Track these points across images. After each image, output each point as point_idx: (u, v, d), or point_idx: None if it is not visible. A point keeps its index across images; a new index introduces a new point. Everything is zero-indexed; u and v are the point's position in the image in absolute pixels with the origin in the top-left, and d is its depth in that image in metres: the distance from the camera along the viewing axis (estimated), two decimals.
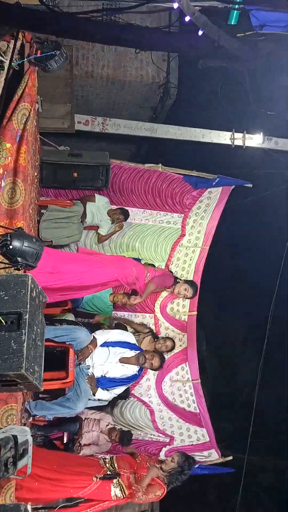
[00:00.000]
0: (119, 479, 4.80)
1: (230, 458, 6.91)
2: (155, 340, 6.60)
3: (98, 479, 4.74)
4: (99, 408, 6.25)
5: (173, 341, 6.69)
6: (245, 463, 8.05)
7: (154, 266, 6.88)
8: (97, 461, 5.04)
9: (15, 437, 3.09)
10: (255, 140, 7.64)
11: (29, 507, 4.28)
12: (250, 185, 7.06)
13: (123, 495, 4.81)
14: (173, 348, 6.68)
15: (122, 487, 4.79)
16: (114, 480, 4.79)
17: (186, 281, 6.56)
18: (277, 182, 8.11)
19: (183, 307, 7.40)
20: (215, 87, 7.97)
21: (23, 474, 3.31)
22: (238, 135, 7.59)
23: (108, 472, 4.81)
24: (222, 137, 7.61)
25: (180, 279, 6.60)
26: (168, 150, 8.27)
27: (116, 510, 6.50)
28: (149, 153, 9.81)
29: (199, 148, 7.78)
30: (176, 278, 6.48)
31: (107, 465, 4.90)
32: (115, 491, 4.77)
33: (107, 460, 5.00)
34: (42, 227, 6.20)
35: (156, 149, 8.85)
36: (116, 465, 4.91)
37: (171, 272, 6.80)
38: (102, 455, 5.41)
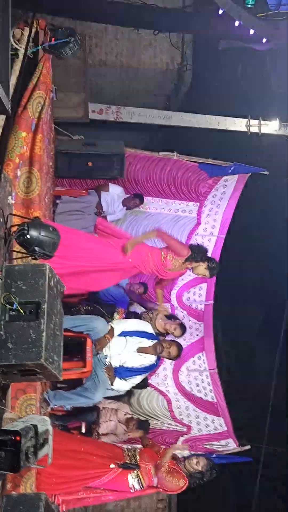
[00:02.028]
0: (138, 471, 4.78)
1: (248, 447, 6.88)
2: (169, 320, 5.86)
3: (116, 466, 4.74)
4: (116, 398, 6.25)
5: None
6: (262, 452, 8.03)
7: None
8: (120, 449, 5.05)
9: (35, 426, 3.09)
10: (271, 126, 7.52)
11: None
12: (266, 172, 6.99)
13: (140, 487, 4.79)
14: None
15: (140, 479, 4.77)
16: (133, 472, 4.77)
17: (208, 259, 5.47)
18: None
19: (199, 296, 7.37)
20: (230, 73, 7.86)
21: (44, 464, 3.32)
22: (253, 122, 7.48)
23: (128, 461, 4.80)
24: (238, 124, 7.51)
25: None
26: (183, 138, 8.18)
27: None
28: (164, 141, 9.72)
29: (215, 136, 7.69)
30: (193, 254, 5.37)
31: (129, 453, 4.89)
32: (132, 482, 4.75)
33: (130, 450, 4.99)
34: (58, 220, 6.16)
35: (171, 137, 8.77)
36: (138, 457, 4.88)
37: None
38: (126, 446, 5.41)
